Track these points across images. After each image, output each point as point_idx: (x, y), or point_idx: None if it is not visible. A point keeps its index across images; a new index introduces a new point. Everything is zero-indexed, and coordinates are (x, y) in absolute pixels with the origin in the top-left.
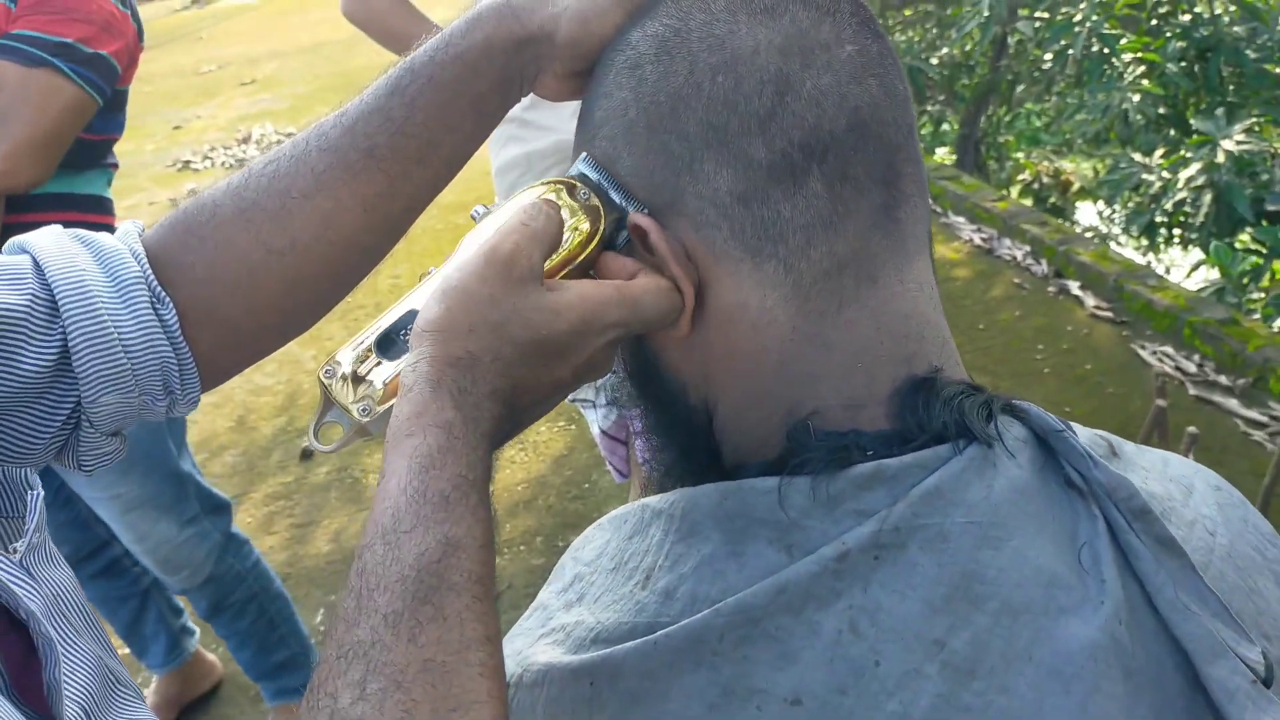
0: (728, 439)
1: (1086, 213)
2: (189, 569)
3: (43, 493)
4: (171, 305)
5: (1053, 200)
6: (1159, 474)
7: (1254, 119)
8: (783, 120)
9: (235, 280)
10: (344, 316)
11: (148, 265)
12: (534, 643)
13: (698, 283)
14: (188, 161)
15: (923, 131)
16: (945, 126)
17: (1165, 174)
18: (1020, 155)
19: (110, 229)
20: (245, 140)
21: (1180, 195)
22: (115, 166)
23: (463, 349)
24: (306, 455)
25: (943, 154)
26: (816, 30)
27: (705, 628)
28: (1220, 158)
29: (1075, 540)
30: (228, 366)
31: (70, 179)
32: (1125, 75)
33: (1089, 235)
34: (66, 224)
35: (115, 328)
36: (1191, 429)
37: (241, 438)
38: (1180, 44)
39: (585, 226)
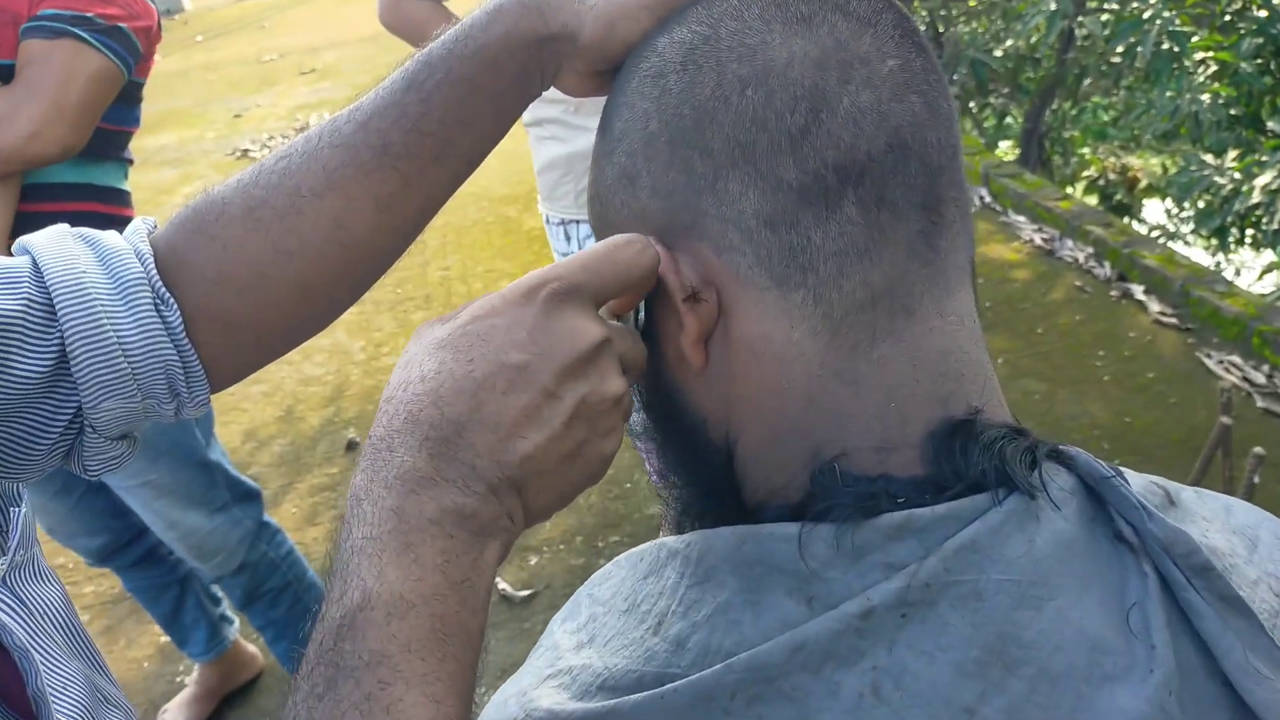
0: (749, 478)
1: (1154, 210)
2: (222, 554)
3: (27, 510)
4: (176, 306)
5: (1119, 197)
6: (1220, 524)
7: None
8: (816, 139)
9: (244, 282)
10: (394, 308)
11: (153, 265)
12: (540, 683)
13: (719, 311)
14: (246, 150)
15: (985, 125)
16: (1009, 120)
17: (1237, 176)
18: (1086, 151)
19: (128, 222)
20: (303, 129)
21: (1254, 200)
22: (131, 162)
23: (384, 398)
24: (352, 447)
25: (1006, 148)
26: (857, 42)
27: (716, 684)
28: None
29: (1124, 601)
30: (238, 369)
31: (89, 168)
32: (1196, 74)
33: (1155, 234)
34: (86, 214)
35: (114, 331)
36: (1258, 450)
37: (289, 428)
38: (1256, 40)
39: None
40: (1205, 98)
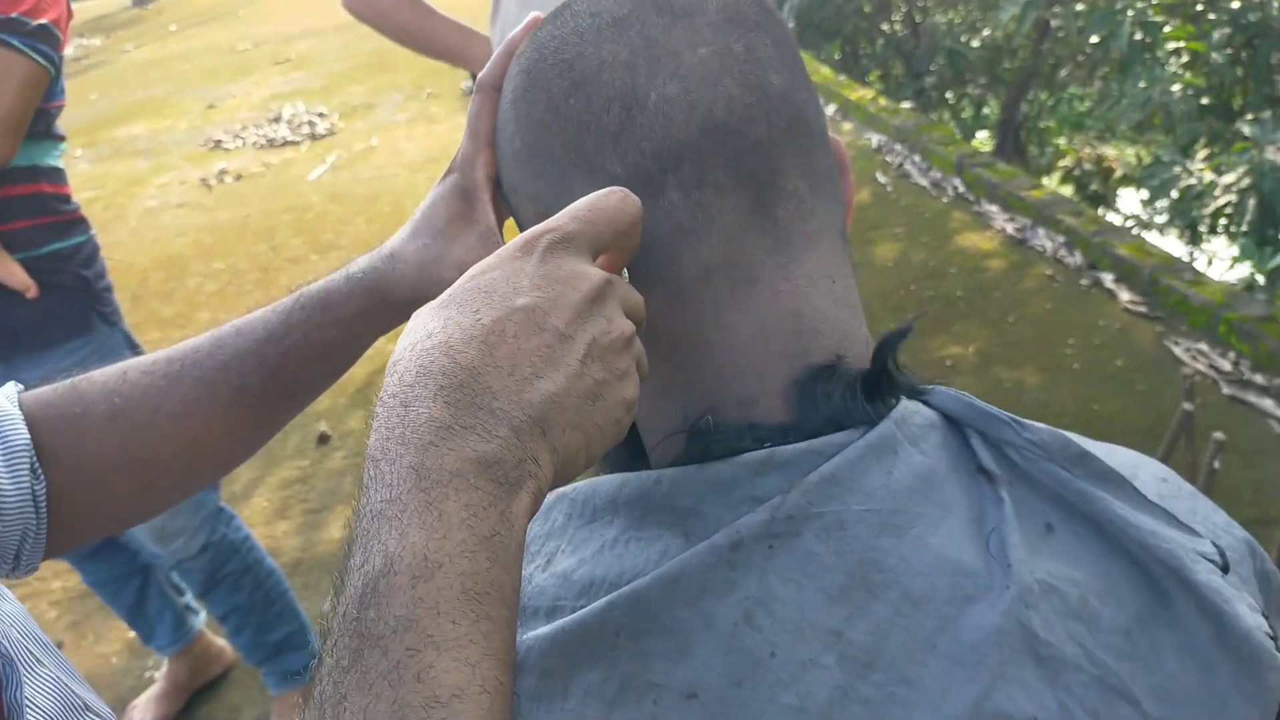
0: (644, 436)
1: (1129, 199)
2: (184, 537)
3: None
4: (44, 480)
5: (1094, 187)
6: None
7: None
8: (632, 134)
9: (95, 477)
10: None
11: (29, 436)
12: None
13: None
14: (219, 140)
15: (962, 115)
16: (986, 110)
17: (1207, 176)
18: (1062, 141)
19: (69, 198)
20: (276, 119)
21: (1223, 200)
22: (64, 138)
23: (389, 365)
24: (324, 440)
25: (983, 138)
26: (666, 37)
27: (602, 623)
28: (1269, 156)
29: (984, 527)
30: (69, 545)
31: (30, 149)
32: (1168, 65)
33: (1130, 224)
34: (35, 195)
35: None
36: (1218, 435)
37: None
38: (1227, 30)
39: None
40: (1176, 88)
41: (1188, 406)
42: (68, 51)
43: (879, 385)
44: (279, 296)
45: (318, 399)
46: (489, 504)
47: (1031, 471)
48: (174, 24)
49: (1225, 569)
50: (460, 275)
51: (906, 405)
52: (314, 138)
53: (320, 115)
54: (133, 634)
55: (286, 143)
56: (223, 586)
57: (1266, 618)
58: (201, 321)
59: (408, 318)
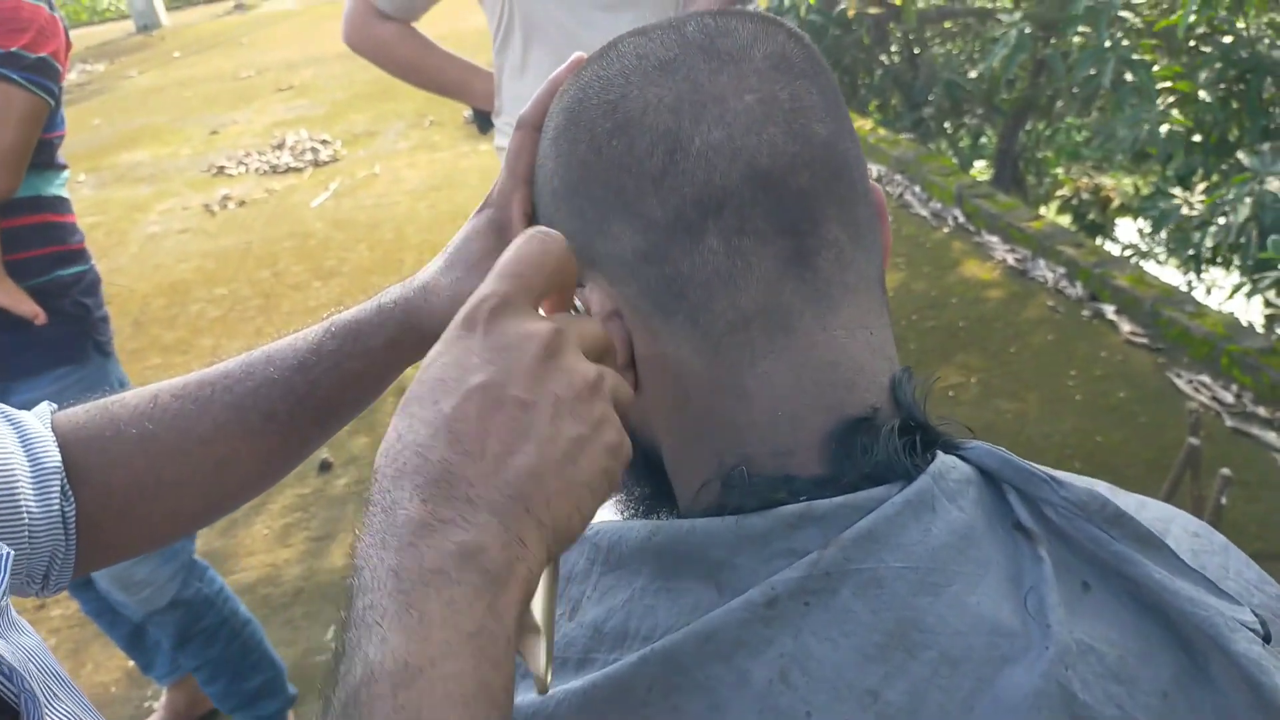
0: (675, 485)
1: (1126, 229)
2: (150, 588)
3: (11, 552)
4: (74, 502)
5: (1092, 217)
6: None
7: None
8: (675, 178)
9: (124, 499)
10: None
11: (61, 458)
12: None
13: (628, 335)
14: (222, 167)
15: (961, 145)
16: (984, 140)
17: (1204, 205)
18: (1059, 171)
19: (75, 227)
20: (280, 146)
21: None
22: (66, 167)
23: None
24: (326, 467)
25: (981, 167)
26: (712, 82)
27: (634, 677)
28: (1270, 187)
29: (1021, 586)
30: (97, 564)
31: (33, 180)
32: (1158, 102)
33: (1128, 254)
34: (42, 225)
35: (28, 514)
36: (1225, 471)
37: None
38: (1217, 66)
39: None
40: (1164, 128)
41: (1194, 441)
42: (71, 77)
43: (917, 439)
44: (281, 323)
45: None
46: (473, 598)
47: (1068, 530)
48: (178, 50)
49: (1267, 638)
50: None
51: (944, 460)
52: (317, 164)
53: (323, 142)
54: (131, 663)
55: (289, 169)
56: (197, 641)
57: None
58: (203, 347)
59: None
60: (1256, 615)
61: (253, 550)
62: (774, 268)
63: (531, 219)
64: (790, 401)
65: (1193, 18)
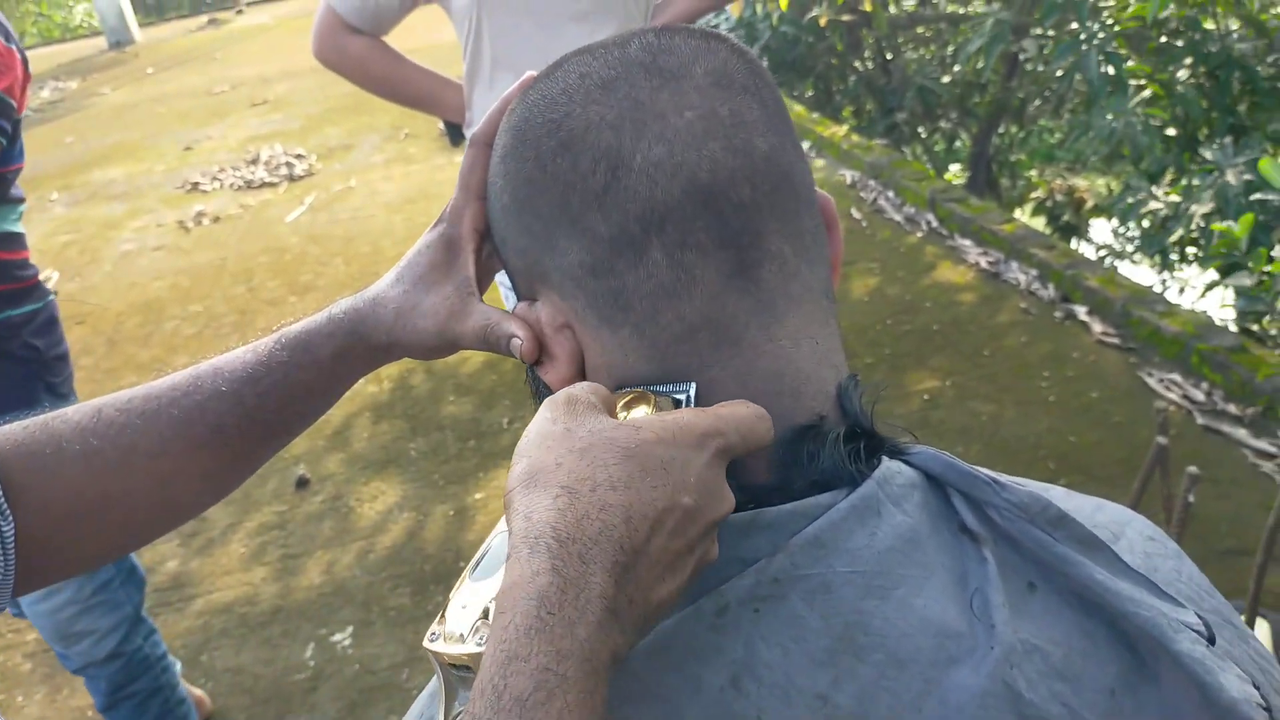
0: None
1: (1101, 229)
2: (91, 638)
3: None
4: (12, 520)
5: (1066, 218)
6: (1085, 518)
7: (1264, 149)
8: (618, 194)
9: (66, 516)
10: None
11: None
12: (431, 698)
13: (578, 347)
14: (196, 183)
15: (935, 149)
16: (958, 144)
17: (1174, 199)
18: (1033, 173)
19: (27, 263)
20: (254, 161)
21: (1192, 226)
22: (22, 200)
23: (556, 484)
24: (303, 484)
25: (956, 171)
26: (653, 100)
27: None
28: (1229, 179)
29: (967, 587)
30: (39, 583)
31: None
32: (1132, 99)
33: (1103, 254)
34: None
35: None
36: (1192, 469)
37: None
38: (1189, 60)
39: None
40: (1139, 123)
41: (1162, 440)
42: (43, 94)
43: (862, 445)
44: (256, 339)
45: (297, 440)
46: (604, 700)
47: (1012, 532)
48: (150, 67)
49: (1211, 640)
50: (434, 323)
51: (889, 465)
52: (292, 179)
53: (298, 157)
54: None
55: (264, 184)
56: (126, 705)
57: (1259, 687)
58: (179, 365)
59: (384, 362)
60: (1201, 619)
61: (229, 569)
62: (717, 280)
63: (484, 235)
64: None
65: (1170, 9)
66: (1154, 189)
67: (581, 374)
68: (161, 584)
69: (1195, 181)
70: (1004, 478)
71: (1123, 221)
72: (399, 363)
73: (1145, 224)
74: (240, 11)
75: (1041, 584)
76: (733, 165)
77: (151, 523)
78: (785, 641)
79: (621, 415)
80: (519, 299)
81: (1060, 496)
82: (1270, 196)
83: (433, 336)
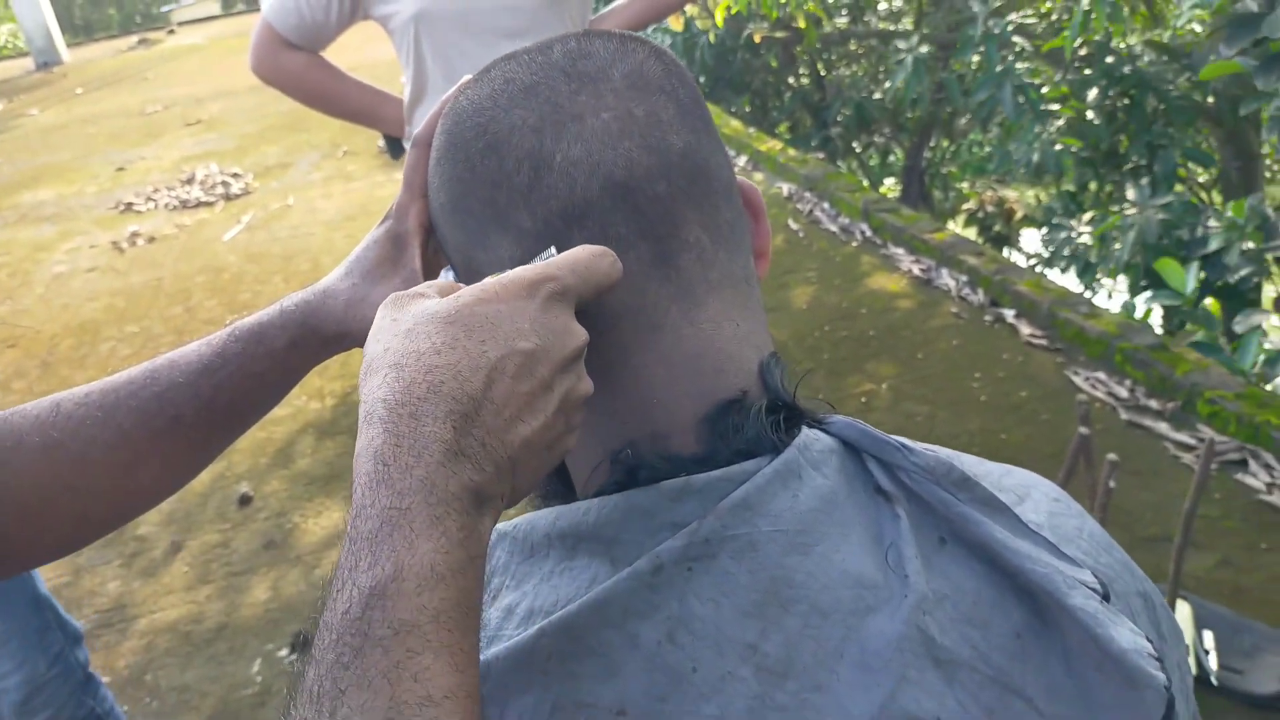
0: (572, 471)
1: (1031, 238)
2: (50, 709)
3: None
4: None
5: (997, 228)
6: (993, 483)
7: (1177, 189)
8: (541, 192)
9: (27, 508)
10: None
11: None
12: None
13: None
14: (130, 203)
15: (870, 163)
16: (892, 158)
17: (1093, 234)
18: (965, 185)
19: None
20: (189, 181)
21: (1109, 255)
22: None
23: (385, 366)
24: (245, 501)
25: (891, 184)
26: (572, 103)
27: (534, 649)
28: (1149, 215)
29: (882, 542)
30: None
31: None
32: (1049, 124)
33: (1033, 262)
34: None
35: None
36: (1112, 456)
37: None
38: (1103, 83)
39: None
40: (1057, 147)
41: (1084, 431)
42: None
43: (782, 416)
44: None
45: (238, 459)
46: (474, 528)
47: (920, 492)
48: (80, 87)
49: (1106, 596)
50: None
51: (808, 433)
52: (228, 198)
53: (234, 175)
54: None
55: (200, 204)
56: None
57: (1151, 640)
58: None
59: (335, 351)
60: (1097, 577)
61: (172, 589)
62: (638, 270)
63: (429, 231)
64: (664, 390)
65: (1077, 41)
66: (1074, 221)
67: None
68: (103, 606)
69: (1115, 209)
70: (914, 444)
71: (1052, 251)
72: (342, 380)
73: (1067, 251)
74: (172, 31)
75: (950, 539)
76: (648, 162)
77: (113, 511)
78: (716, 596)
79: None
80: None
81: (971, 463)
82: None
83: None
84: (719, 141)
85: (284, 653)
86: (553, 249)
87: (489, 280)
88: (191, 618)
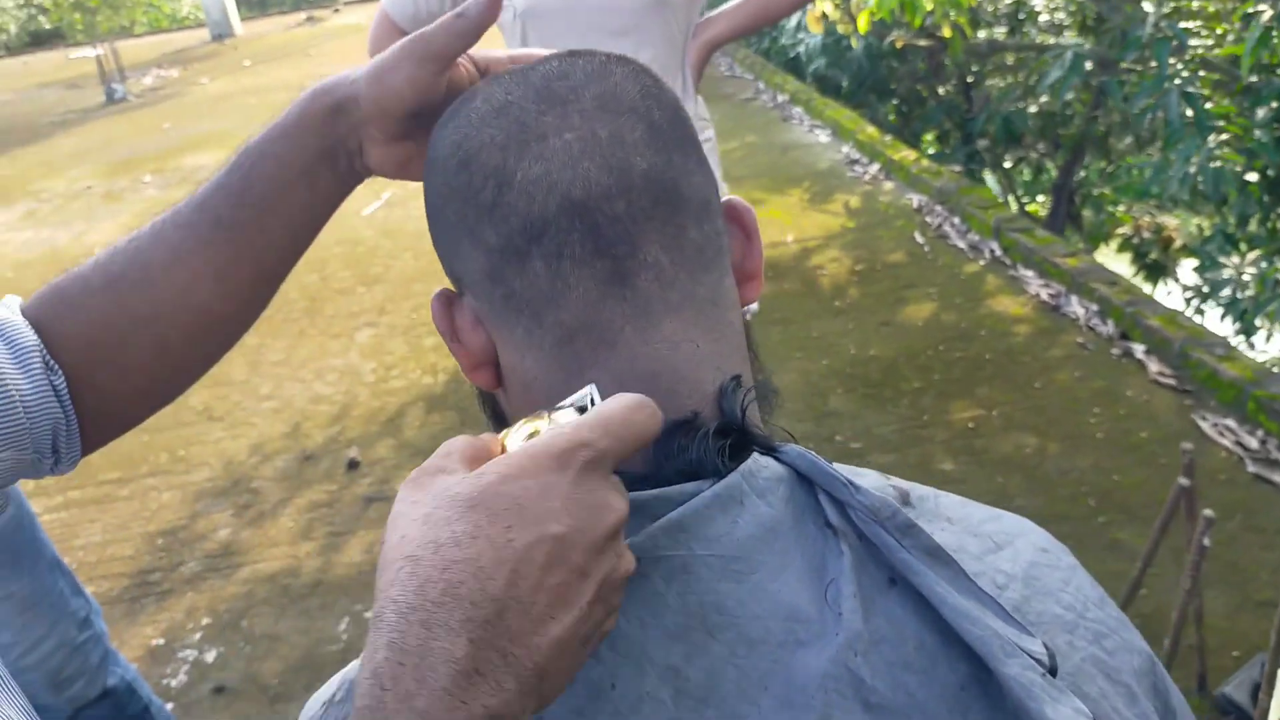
0: None
1: (1189, 269)
2: (84, 678)
3: None
4: (61, 372)
5: (1154, 256)
6: (965, 528)
7: None
8: (503, 209)
9: (108, 348)
10: (407, 333)
11: (37, 336)
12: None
13: (492, 343)
14: None
15: (1019, 179)
16: (1044, 175)
17: (1257, 271)
18: (1120, 208)
19: None
20: None
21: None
22: None
23: (400, 557)
24: (354, 466)
25: (1042, 201)
26: (538, 123)
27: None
28: None
29: (824, 578)
30: (105, 432)
31: None
32: (1210, 140)
33: (1188, 296)
34: None
35: (15, 389)
36: (1208, 513)
37: (294, 444)
38: (1274, 104)
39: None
40: (1217, 164)
41: (1184, 481)
42: (146, 82)
43: (731, 441)
44: (325, 325)
45: (350, 424)
46: None
47: (866, 533)
48: (248, 59)
49: (1052, 671)
50: (405, 79)
51: (757, 459)
52: None
53: None
54: (152, 642)
55: None
56: None
57: (1156, 709)
58: (249, 345)
59: (348, 129)
60: (1046, 647)
61: (276, 541)
62: (594, 287)
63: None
64: None
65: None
66: (1233, 259)
67: (494, 366)
68: (212, 550)
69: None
70: (864, 479)
71: (1210, 296)
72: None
73: (1226, 292)
74: (337, 10)
75: (900, 581)
76: (606, 182)
77: (187, 344)
78: (644, 615)
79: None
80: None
81: (953, 504)
82: None
83: (406, 90)
84: (700, 162)
85: (370, 614)
86: (592, 386)
87: (515, 453)
88: (290, 570)
